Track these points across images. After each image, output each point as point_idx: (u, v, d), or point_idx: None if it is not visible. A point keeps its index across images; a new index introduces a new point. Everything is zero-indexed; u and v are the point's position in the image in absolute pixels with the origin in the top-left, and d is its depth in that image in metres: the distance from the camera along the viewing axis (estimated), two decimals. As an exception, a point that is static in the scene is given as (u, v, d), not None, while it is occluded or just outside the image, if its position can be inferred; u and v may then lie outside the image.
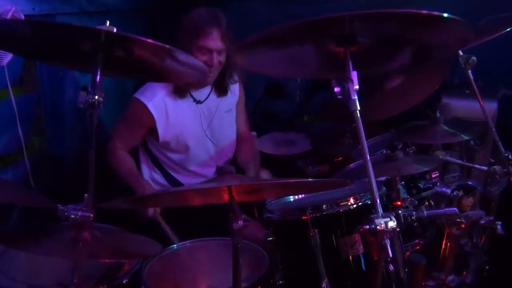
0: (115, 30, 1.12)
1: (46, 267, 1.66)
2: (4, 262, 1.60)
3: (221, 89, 2.28)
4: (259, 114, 3.52)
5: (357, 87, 1.16)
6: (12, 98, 2.18)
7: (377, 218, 1.08)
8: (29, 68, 2.43)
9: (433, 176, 1.92)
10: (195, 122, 2.25)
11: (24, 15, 2.04)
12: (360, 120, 1.16)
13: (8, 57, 1.90)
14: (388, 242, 1.09)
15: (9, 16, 1.82)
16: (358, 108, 1.16)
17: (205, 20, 2.04)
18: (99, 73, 1.13)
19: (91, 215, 1.24)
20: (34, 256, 1.62)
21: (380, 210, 1.10)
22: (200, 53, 2.05)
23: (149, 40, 1.09)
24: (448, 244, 1.73)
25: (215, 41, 2.03)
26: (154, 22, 3.25)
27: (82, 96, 1.12)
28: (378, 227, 1.07)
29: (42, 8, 2.30)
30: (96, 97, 1.12)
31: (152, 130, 2.19)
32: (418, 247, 1.87)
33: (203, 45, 2.03)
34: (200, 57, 2.04)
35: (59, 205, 1.24)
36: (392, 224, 1.08)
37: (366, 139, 2.49)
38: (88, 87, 1.13)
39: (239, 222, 1.22)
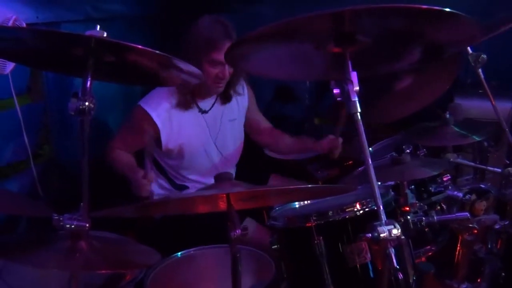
0: (105, 34, 1.09)
1: (52, 276, 1.65)
2: (8, 272, 1.58)
3: (225, 97, 2.26)
4: (269, 118, 3.46)
5: (357, 88, 1.12)
6: (17, 107, 2.18)
7: (380, 226, 1.03)
8: (36, 77, 2.43)
9: (445, 179, 1.86)
10: (200, 132, 2.23)
11: (28, 24, 2.03)
12: (361, 123, 1.11)
13: (10, 65, 1.89)
14: (392, 250, 1.03)
15: (10, 24, 1.82)
16: (359, 110, 1.12)
17: (216, 33, 2.02)
18: (89, 78, 1.10)
19: (87, 225, 1.21)
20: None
21: (383, 217, 1.05)
22: (211, 65, 2.04)
23: (139, 46, 1.06)
24: (461, 250, 1.66)
25: None
26: (160, 28, 3.24)
27: (72, 103, 1.10)
28: (381, 235, 1.02)
29: (46, 16, 2.29)
30: (87, 103, 1.09)
31: (156, 139, 2.18)
32: (430, 253, 1.81)
33: (217, 58, 2.01)
34: (211, 69, 2.03)
35: (54, 215, 1.21)
36: (396, 231, 1.02)
37: (376, 142, 2.44)
38: (78, 93, 1.10)
39: (237, 231, 1.18)
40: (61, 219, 1.20)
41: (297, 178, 2.71)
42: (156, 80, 1.46)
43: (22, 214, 2.03)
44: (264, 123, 2.52)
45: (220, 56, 2.01)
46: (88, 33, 1.09)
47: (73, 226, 1.20)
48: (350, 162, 2.71)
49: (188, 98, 2.14)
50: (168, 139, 2.16)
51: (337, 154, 2.27)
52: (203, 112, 2.22)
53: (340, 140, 2.24)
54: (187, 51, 2.01)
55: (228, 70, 2.06)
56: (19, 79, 2.19)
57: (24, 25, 1.92)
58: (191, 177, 2.31)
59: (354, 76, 1.12)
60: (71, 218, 1.20)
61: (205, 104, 2.23)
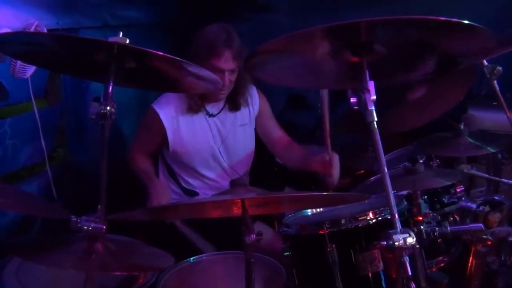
0: (127, 41, 1.12)
1: (65, 278, 1.66)
2: (23, 272, 1.60)
3: (233, 105, 2.28)
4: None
5: (374, 97, 1.13)
6: (36, 110, 2.21)
7: (395, 234, 1.03)
8: (54, 81, 2.47)
9: (458, 190, 1.85)
10: (206, 135, 2.26)
11: (48, 29, 2.07)
12: (377, 132, 1.12)
13: (31, 69, 1.93)
14: (407, 259, 1.04)
15: (32, 29, 1.86)
16: (375, 119, 1.12)
17: (217, 40, 2.05)
18: (111, 83, 1.13)
19: (104, 227, 1.23)
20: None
21: (398, 225, 1.05)
22: (211, 72, 2.05)
23: (160, 53, 1.09)
24: (474, 262, 1.65)
25: (227, 62, 2.05)
26: (176, 35, 3.28)
27: (94, 107, 1.12)
28: (396, 243, 1.02)
29: (66, 22, 2.34)
30: (108, 107, 1.12)
31: (165, 139, 2.22)
32: (442, 264, 1.80)
33: (216, 65, 2.04)
34: None
35: (72, 217, 1.23)
36: (411, 240, 1.03)
37: (389, 152, 2.42)
38: (100, 97, 1.13)
39: (252, 236, 1.19)
40: (78, 220, 1.23)
41: (308, 186, 2.71)
42: (174, 86, 1.49)
43: (39, 215, 2.05)
44: (278, 133, 2.46)
45: (219, 63, 2.04)
46: (111, 39, 1.12)
47: (90, 228, 1.22)
48: (361, 172, 2.70)
49: (196, 101, 2.18)
50: (174, 139, 2.21)
51: (335, 177, 2.09)
52: (211, 115, 2.25)
53: (335, 157, 2.10)
54: (192, 56, 2.05)
55: (228, 77, 2.08)
56: (37, 83, 2.23)
57: (45, 30, 1.97)
58: (203, 180, 2.32)
59: (371, 85, 1.13)
60: (88, 220, 1.22)
61: (213, 108, 2.25)
